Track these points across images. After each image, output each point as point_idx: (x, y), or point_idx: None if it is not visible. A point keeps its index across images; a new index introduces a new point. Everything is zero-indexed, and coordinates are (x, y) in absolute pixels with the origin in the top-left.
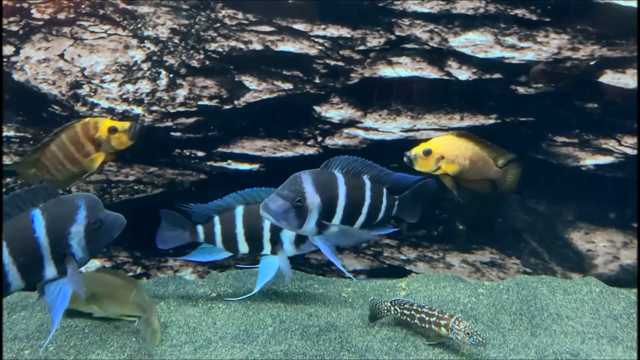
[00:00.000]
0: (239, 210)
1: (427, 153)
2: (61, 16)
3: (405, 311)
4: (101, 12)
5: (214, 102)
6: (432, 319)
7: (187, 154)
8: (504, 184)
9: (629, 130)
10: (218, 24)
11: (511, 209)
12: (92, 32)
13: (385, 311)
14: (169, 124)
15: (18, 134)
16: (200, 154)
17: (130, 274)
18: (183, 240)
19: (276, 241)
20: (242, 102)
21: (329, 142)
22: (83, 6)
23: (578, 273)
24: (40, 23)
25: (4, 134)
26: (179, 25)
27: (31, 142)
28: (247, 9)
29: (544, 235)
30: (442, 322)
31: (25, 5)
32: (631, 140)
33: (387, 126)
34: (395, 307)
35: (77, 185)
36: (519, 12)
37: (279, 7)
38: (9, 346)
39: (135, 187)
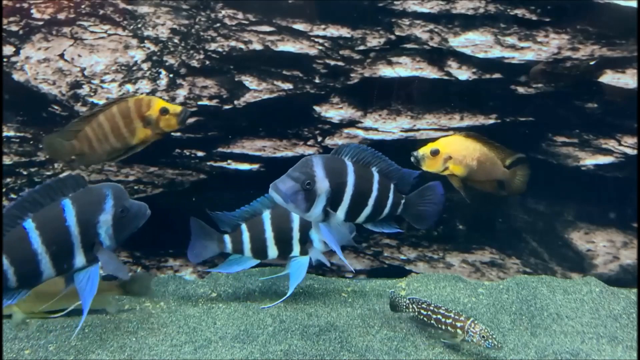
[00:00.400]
0: (267, 215)
1: (435, 153)
2: (61, 16)
3: (422, 311)
4: (101, 12)
5: (214, 102)
6: (448, 321)
7: (187, 154)
8: (512, 185)
9: (629, 130)
10: (218, 24)
11: (511, 209)
12: (92, 32)
13: (404, 307)
14: None
15: (18, 134)
16: (200, 154)
17: (130, 273)
18: (213, 252)
19: (305, 240)
20: (242, 102)
21: (329, 142)
22: (83, 6)
23: (578, 273)
24: (40, 23)
25: (4, 134)
26: (179, 25)
27: (31, 142)
28: (247, 9)
29: (544, 235)
30: (458, 324)
31: (25, 5)
32: (631, 140)
33: (387, 126)
34: (413, 305)
35: None
36: (519, 12)
37: (279, 7)
38: (9, 346)
39: (135, 187)
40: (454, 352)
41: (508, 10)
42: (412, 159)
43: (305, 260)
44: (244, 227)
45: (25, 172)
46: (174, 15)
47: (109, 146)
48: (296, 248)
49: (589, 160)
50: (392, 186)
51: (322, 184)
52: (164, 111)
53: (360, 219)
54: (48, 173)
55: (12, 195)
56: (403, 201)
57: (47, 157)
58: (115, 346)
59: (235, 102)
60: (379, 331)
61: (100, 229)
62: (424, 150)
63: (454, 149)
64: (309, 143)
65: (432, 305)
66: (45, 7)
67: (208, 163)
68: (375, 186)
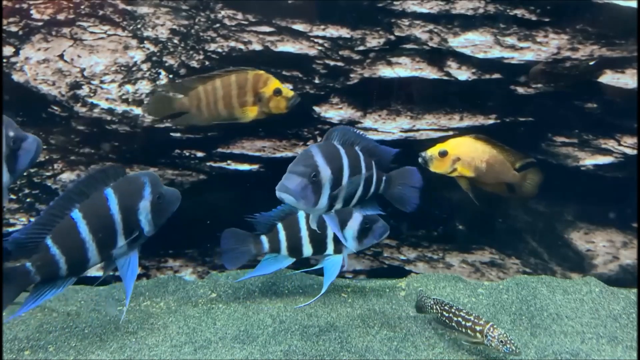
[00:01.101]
0: (302, 214)
1: (443, 154)
2: (61, 17)
3: (444, 312)
4: (101, 12)
5: None
6: (467, 324)
7: (187, 154)
8: (523, 189)
9: (629, 130)
10: (217, 25)
11: (511, 209)
12: (91, 32)
13: (429, 308)
14: (169, 124)
15: None
16: (200, 154)
17: None
18: (250, 255)
19: (339, 241)
20: None
21: None
22: (82, 7)
23: (578, 273)
24: (40, 24)
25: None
26: (179, 25)
27: None
28: (247, 9)
29: (544, 235)
30: (478, 328)
31: (24, 5)
32: (630, 140)
33: (387, 126)
34: (437, 306)
35: None
36: (519, 12)
37: (279, 8)
38: (9, 347)
39: None
40: (454, 352)
41: (507, 11)
42: (420, 160)
43: (339, 259)
44: (280, 226)
45: (24, 173)
46: (174, 15)
47: (215, 112)
48: (330, 247)
49: (589, 161)
50: (373, 164)
51: (326, 173)
52: (277, 92)
53: (353, 202)
54: (47, 174)
55: (12, 196)
56: (384, 178)
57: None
58: (115, 347)
59: None
60: (379, 331)
61: (140, 215)
62: (432, 151)
63: (462, 150)
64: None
65: (454, 307)
66: (44, 7)
67: (208, 163)
68: (363, 165)
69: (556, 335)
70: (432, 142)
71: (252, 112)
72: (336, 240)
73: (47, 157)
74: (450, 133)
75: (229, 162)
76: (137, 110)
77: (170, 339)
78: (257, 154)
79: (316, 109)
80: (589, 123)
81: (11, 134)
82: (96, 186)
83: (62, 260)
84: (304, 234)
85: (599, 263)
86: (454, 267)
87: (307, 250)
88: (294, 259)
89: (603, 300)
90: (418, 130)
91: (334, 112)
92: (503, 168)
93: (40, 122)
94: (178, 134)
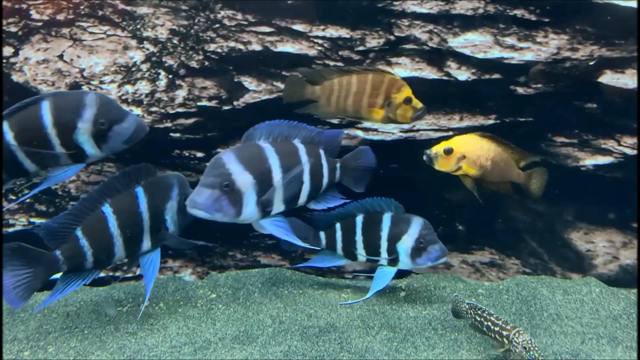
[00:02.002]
0: (359, 219)
1: (449, 152)
2: (60, 17)
3: (477, 317)
4: (100, 13)
5: (213, 103)
6: (496, 329)
7: (187, 154)
8: (529, 189)
9: (628, 130)
10: (217, 25)
11: (511, 209)
12: (91, 33)
13: (464, 312)
14: (168, 124)
15: None
16: (199, 154)
17: (130, 275)
18: (306, 245)
19: (392, 252)
20: (241, 103)
21: None
22: (82, 7)
23: (578, 273)
24: (39, 24)
25: None
26: (178, 26)
27: None
28: (246, 9)
29: (544, 235)
30: (504, 333)
31: (24, 6)
32: (630, 141)
33: (387, 127)
34: (471, 311)
35: (77, 186)
36: (518, 12)
37: (278, 8)
38: (9, 347)
39: None
40: (454, 352)
41: (507, 11)
42: (425, 158)
43: (391, 271)
44: (338, 226)
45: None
46: (173, 16)
47: (342, 106)
48: (384, 256)
49: (589, 161)
50: (321, 153)
51: (244, 179)
52: (408, 101)
53: (303, 200)
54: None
55: (12, 197)
56: (339, 165)
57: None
58: (115, 347)
59: (235, 102)
60: (379, 332)
61: (166, 215)
62: (437, 149)
63: (468, 148)
64: None
65: (486, 312)
66: (44, 8)
67: (207, 164)
68: (305, 159)
69: (556, 336)
70: (432, 142)
71: (377, 115)
72: (390, 251)
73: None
74: (450, 133)
75: None
76: (137, 111)
77: (169, 339)
78: None
79: None
80: (588, 123)
81: (102, 119)
82: (128, 184)
83: (90, 252)
84: (359, 238)
85: (599, 263)
86: (454, 267)
87: (361, 254)
88: (349, 260)
89: (603, 301)
90: (418, 130)
91: None
92: (508, 166)
93: None
94: (178, 135)
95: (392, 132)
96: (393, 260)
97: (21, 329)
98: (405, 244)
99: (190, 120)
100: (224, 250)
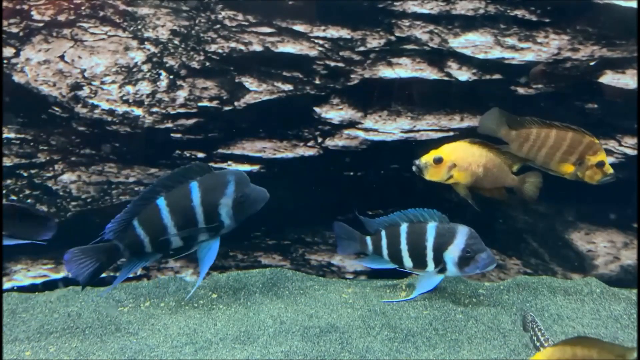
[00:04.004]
0: (404, 228)
1: (438, 161)
2: (61, 18)
3: (533, 331)
4: (101, 13)
5: (214, 104)
6: (537, 344)
7: (188, 155)
8: (523, 193)
9: (629, 130)
10: (218, 26)
11: (511, 210)
12: (92, 33)
13: (528, 326)
14: (169, 125)
15: (18, 136)
16: (200, 155)
17: (131, 275)
18: (355, 249)
19: (439, 261)
20: (242, 103)
21: (329, 143)
22: (83, 8)
23: (579, 273)
24: (41, 25)
25: (4, 135)
26: (179, 26)
27: (31, 144)
28: (247, 10)
29: (545, 235)
30: (541, 349)
31: (25, 6)
32: (631, 141)
33: (387, 127)
34: (531, 324)
35: (78, 187)
36: (519, 12)
37: (279, 9)
38: (10, 348)
39: (136, 189)
40: (454, 353)
41: (508, 11)
42: (414, 168)
43: (438, 278)
44: (383, 233)
45: (25, 174)
46: (174, 16)
47: (533, 155)
48: (431, 265)
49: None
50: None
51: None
52: (600, 164)
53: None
54: (48, 175)
55: (13, 197)
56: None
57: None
58: (116, 347)
59: (236, 103)
60: (380, 332)
61: (221, 210)
62: (427, 159)
63: (458, 156)
64: (309, 144)
65: (537, 325)
66: (45, 8)
67: (208, 164)
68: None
69: (557, 336)
70: (433, 142)
71: (567, 170)
72: (436, 259)
73: (47, 158)
74: (451, 134)
75: (229, 162)
76: (138, 111)
77: (171, 339)
78: (258, 154)
79: (317, 109)
80: (589, 123)
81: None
82: (183, 179)
83: (147, 240)
84: (404, 247)
85: (600, 264)
86: None
87: (408, 262)
88: (397, 266)
89: (604, 301)
90: (418, 130)
91: (335, 113)
92: (501, 172)
93: (41, 123)
94: (179, 135)
95: (392, 132)
96: (441, 268)
97: (22, 329)
98: (452, 253)
99: (191, 121)
100: (224, 251)
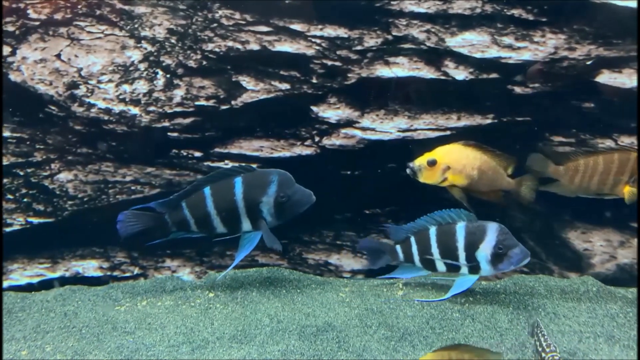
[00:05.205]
0: (433, 231)
1: (432, 164)
2: (58, 16)
3: (537, 337)
4: (98, 12)
5: (211, 103)
6: (539, 349)
7: (185, 154)
8: (520, 195)
9: (626, 129)
10: (215, 24)
11: (508, 209)
12: (89, 32)
13: (534, 332)
14: (166, 124)
15: (15, 135)
16: (197, 154)
17: (128, 274)
18: (387, 261)
19: (472, 260)
20: (239, 103)
21: (327, 142)
22: (80, 6)
23: (575, 272)
24: (37, 23)
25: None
26: (176, 25)
27: (28, 143)
28: (244, 9)
29: (541, 234)
30: (542, 355)
31: (21, 5)
32: (628, 140)
33: (385, 126)
34: (536, 329)
35: (74, 186)
36: (516, 12)
37: (276, 8)
38: (6, 347)
39: (133, 188)
40: None
41: (505, 10)
42: (408, 171)
43: (472, 279)
44: (412, 239)
45: (22, 173)
46: (171, 15)
47: (586, 185)
48: (464, 266)
49: None
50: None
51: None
52: None
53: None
54: (45, 174)
55: (9, 197)
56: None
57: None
58: (113, 347)
59: (233, 102)
60: (377, 331)
61: (262, 207)
62: (421, 161)
63: (452, 158)
64: (306, 143)
65: (541, 332)
66: (41, 7)
67: (205, 163)
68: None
69: (554, 335)
70: (430, 141)
71: (623, 190)
72: (469, 260)
73: (44, 157)
74: (448, 133)
75: (226, 161)
76: (135, 110)
77: (167, 338)
78: (255, 153)
79: (314, 108)
80: (586, 122)
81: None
82: (230, 174)
83: (192, 221)
84: (435, 250)
85: (597, 262)
86: None
87: (441, 266)
88: (430, 272)
89: (600, 300)
90: (416, 130)
91: (332, 112)
92: (496, 174)
93: (38, 122)
94: (176, 134)
95: (389, 131)
96: (474, 268)
97: (19, 328)
98: (484, 251)
99: (188, 120)
100: (222, 250)
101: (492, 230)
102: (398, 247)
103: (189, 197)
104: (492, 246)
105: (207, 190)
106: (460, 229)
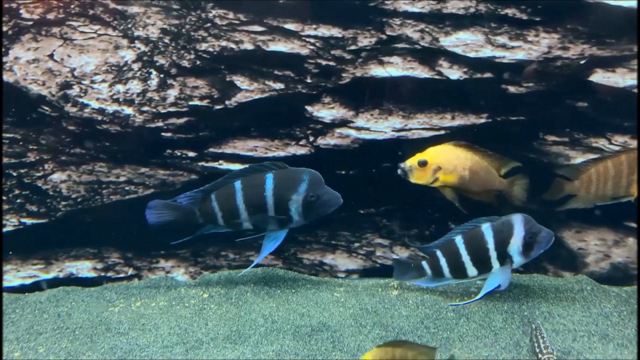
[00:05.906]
0: (459, 239)
1: (423, 164)
2: (50, 16)
3: (535, 338)
4: (91, 12)
5: (205, 102)
6: (537, 350)
7: (179, 154)
8: (512, 195)
9: (619, 128)
10: (209, 24)
11: (504, 208)
12: (82, 32)
13: (530, 333)
14: (160, 124)
15: (8, 135)
16: (191, 154)
17: (122, 275)
18: (414, 276)
19: (504, 256)
20: (233, 102)
21: (321, 142)
22: (73, 6)
23: (570, 271)
24: (30, 23)
25: None
26: (170, 25)
27: (21, 143)
28: (238, 9)
29: None
30: (539, 356)
31: (14, 5)
32: (621, 139)
33: (379, 126)
34: (535, 331)
35: (68, 186)
36: (509, 11)
37: (270, 7)
38: None
39: (126, 188)
40: (446, 351)
41: (498, 10)
42: (399, 171)
43: (506, 270)
44: (439, 253)
45: (15, 174)
46: (165, 15)
47: (602, 192)
48: (496, 265)
49: (580, 159)
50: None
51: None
52: None
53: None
54: (38, 174)
55: (2, 197)
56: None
57: None
58: (106, 348)
59: (227, 102)
60: (371, 331)
61: (291, 205)
62: (411, 162)
63: (443, 158)
64: (300, 143)
65: (540, 333)
66: (34, 7)
67: (199, 163)
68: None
69: (548, 334)
70: (425, 141)
71: (633, 190)
72: (501, 257)
73: (37, 157)
74: (442, 132)
75: (220, 162)
76: (128, 110)
77: (161, 339)
78: (249, 153)
79: (308, 108)
80: (580, 122)
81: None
82: (262, 170)
83: (220, 214)
84: (466, 258)
85: (591, 261)
86: None
87: (472, 271)
88: (460, 280)
89: (594, 299)
90: (410, 129)
91: (326, 112)
92: (488, 175)
93: (30, 122)
94: (169, 134)
95: (384, 131)
96: (506, 263)
97: (11, 329)
98: (515, 245)
99: (182, 120)
100: (216, 250)
101: (519, 222)
102: (425, 264)
103: (219, 190)
104: (522, 237)
105: (238, 184)
106: (487, 230)
